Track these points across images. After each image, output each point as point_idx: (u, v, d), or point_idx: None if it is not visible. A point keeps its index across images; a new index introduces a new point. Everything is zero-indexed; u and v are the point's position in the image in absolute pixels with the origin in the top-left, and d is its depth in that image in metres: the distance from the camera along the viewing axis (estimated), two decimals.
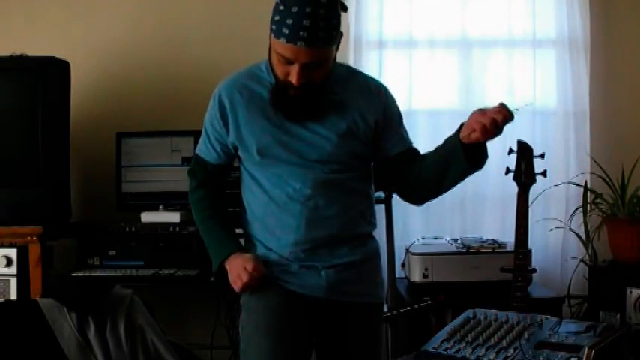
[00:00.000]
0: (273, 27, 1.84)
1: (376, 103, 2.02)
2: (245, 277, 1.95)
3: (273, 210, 2.00)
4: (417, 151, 2.09)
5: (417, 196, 2.10)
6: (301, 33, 1.79)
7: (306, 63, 1.85)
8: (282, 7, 1.82)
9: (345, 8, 1.91)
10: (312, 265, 2.00)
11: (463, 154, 1.87)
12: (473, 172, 1.93)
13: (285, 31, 1.81)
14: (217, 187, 2.16)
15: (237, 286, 1.98)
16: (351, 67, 2.09)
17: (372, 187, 2.14)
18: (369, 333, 2.08)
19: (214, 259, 2.07)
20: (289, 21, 1.80)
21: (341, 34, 1.91)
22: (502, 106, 1.81)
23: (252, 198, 2.06)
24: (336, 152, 1.97)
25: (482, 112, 1.82)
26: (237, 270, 1.97)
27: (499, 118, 1.78)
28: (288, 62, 1.86)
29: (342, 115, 1.98)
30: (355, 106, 2.00)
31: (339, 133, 1.97)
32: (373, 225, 2.13)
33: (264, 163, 2.00)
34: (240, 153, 2.06)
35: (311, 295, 2.01)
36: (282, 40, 1.82)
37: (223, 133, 2.04)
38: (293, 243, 1.99)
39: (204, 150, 2.11)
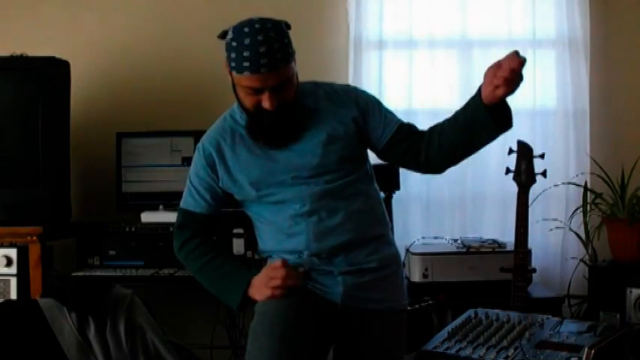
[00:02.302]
0: (233, 64, 1.89)
1: (347, 102, 2.05)
2: (278, 281, 1.90)
3: (282, 237, 2.03)
4: (412, 126, 2.08)
5: (440, 166, 2.08)
6: (262, 60, 1.85)
7: (275, 86, 1.89)
8: (234, 44, 1.88)
9: (288, 26, 1.96)
10: (328, 271, 2.01)
11: (490, 118, 1.86)
12: (503, 133, 1.92)
13: (246, 64, 1.86)
14: (209, 236, 2.14)
15: (273, 291, 1.92)
16: (315, 81, 2.13)
17: (375, 185, 2.13)
18: (388, 340, 2.05)
19: (233, 291, 1.99)
20: (246, 53, 1.85)
21: (293, 50, 1.96)
22: (514, 53, 1.79)
23: (262, 234, 2.09)
24: (324, 162, 1.99)
25: (497, 65, 1.81)
26: (266, 280, 1.93)
27: (515, 64, 1.77)
28: (257, 92, 1.91)
29: (319, 125, 2.01)
30: (328, 112, 2.03)
31: (322, 143, 1.99)
32: (385, 223, 2.12)
33: (261, 196, 2.02)
34: (237, 196, 2.08)
35: (328, 299, 2.01)
36: (247, 73, 1.87)
37: (212, 181, 2.07)
38: (307, 256, 2.00)
39: (192, 202, 2.11)
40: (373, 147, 2.08)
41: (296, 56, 1.97)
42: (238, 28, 1.89)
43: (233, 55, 1.88)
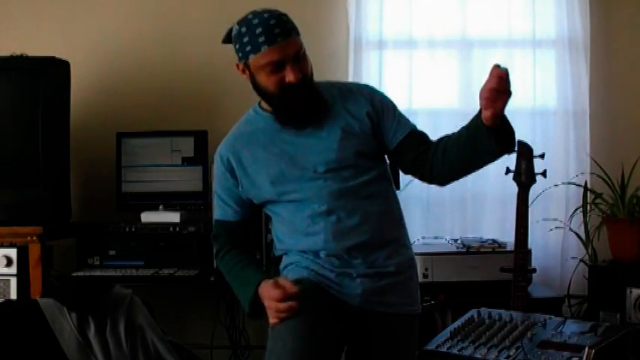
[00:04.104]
0: (248, 48, 1.92)
1: (360, 99, 2.05)
2: (273, 315, 1.90)
3: (299, 236, 2.03)
4: (423, 135, 2.07)
5: (442, 179, 2.07)
6: (276, 30, 1.90)
7: (294, 55, 1.92)
8: (244, 30, 1.92)
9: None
10: (347, 273, 2.00)
11: (492, 139, 1.83)
12: (504, 154, 1.91)
13: (262, 39, 1.89)
14: (241, 242, 2.15)
15: (277, 315, 1.91)
16: (331, 81, 2.14)
17: (392, 187, 2.13)
18: (401, 344, 2.06)
19: (244, 302, 2.02)
20: (259, 30, 1.90)
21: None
22: (494, 68, 1.75)
23: (280, 232, 2.10)
24: (341, 157, 1.99)
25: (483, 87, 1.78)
26: (267, 304, 1.92)
27: (494, 83, 1.73)
28: (279, 66, 1.92)
29: (334, 122, 2.02)
30: (342, 109, 2.03)
31: (338, 139, 2.00)
32: (402, 226, 2.13)
33: (280, 194, 2.02)
34: (255, 199, 2.09)
35: (346, 301, 2.01)
36: (265, 48, 1.90)
37: (233, 186, 2.08)
38: (325, 256, 2.00)
39: (220, 212, 2.13)
40: (385, 148, 2.07)
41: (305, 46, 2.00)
42: (243, 18, 1.94)
43: (245, 39, 1.91)
